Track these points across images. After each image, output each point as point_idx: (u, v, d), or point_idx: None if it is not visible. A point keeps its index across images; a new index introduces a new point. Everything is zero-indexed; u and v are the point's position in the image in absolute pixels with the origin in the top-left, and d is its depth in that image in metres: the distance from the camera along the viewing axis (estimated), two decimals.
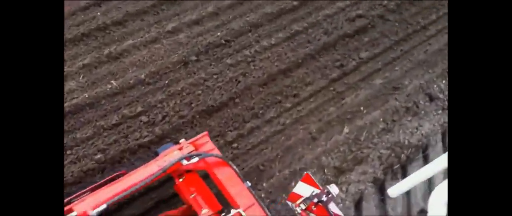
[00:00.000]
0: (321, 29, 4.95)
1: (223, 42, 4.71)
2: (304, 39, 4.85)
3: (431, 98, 4.59)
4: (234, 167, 3.14)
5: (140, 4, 4.85)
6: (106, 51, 4.46)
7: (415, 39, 5.12)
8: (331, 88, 4.58)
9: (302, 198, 3.14)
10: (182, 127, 4.04)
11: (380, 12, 5.14)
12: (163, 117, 4.07)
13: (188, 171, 3.22)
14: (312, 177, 3.11)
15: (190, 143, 3.16)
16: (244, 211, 2.94)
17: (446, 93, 4.48)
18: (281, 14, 5.00)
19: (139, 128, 3.98)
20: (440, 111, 4.49)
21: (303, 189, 3.13)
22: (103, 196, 2.86)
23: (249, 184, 3.12)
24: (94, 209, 2.76)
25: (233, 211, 2.95)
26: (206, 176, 3.28)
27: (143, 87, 4.27)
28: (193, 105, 4.29)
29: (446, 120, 4.34)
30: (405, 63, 4.91)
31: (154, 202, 3.71)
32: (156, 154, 3.24)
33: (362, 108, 4.45)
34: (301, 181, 3.14)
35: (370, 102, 4.52)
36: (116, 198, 2.85)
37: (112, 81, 4.25)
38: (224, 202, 3.17)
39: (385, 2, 5.23)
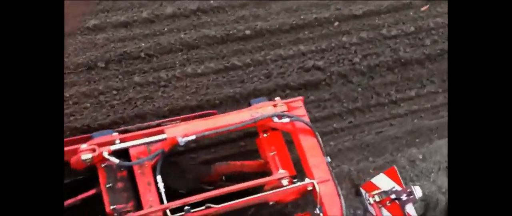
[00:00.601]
0: (265, 70, 4.06)
1: (143, 55, 3.99)
2: (238, 77, 4.00)
3: (357, 192, 3.63)
4: (319, 138, 3.11)
5: None
6: None
7: (374, 113, 4.11)
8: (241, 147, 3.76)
9: (379, 190, 3.13)
10: None
11: (344, 70, 4.13)
12: None
13: (274, 129, 3.25)
14: (398, 173, 3.02)
15: (284, 103, 3.18)
16: (317, 183, 2.94)
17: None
18: (226, 40, 4.18)
19: None
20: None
21: (383, 181, 3.11)
22: (193, 128, 2.94)
23: (329, 159, 3.09)
24: (183, 137, 2.84)
25: (307, 180, 2.97)
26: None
27: None
28: (71, 118, 3.66)
29: None
30: (345, 140, 3.96)
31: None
32: (249, 105, 3.32)
33: None
34: (384, 173, 3.10)
35: None
36: (205, 133, 2.93)
37: None
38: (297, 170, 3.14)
39: (356, 59, 4.25)
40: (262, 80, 4.02)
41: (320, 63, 4.15)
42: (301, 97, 3.27)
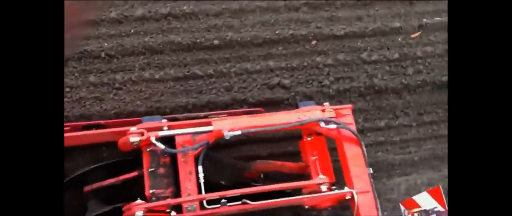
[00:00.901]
0: (226, 83, 3.92)
1: (103, 55, 3.88)
2: (196, 87, 3.84)
3: None
4: (364, 149, 3.13)
5: None
6: None
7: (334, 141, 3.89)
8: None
9: (420, 209, 3.15)
10: None
11: (310, 92, 3.99)
12: None
13: (319, 133, 3.26)
14: (442, 194, 3.04)
15: (333, 109, 3.20)
16: (357, 194, 2.94)
17: None
18: (192, 48, 4.04)
19: None
20: None
21: (426, 200, 3.14)
22: (240, 123, 2.97)
23: (371, 171, 3.10)
24: (229, 131, 2.87)
25: (346, 189, 2.98)
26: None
27: None
28: None
29: None
30: None
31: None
32: (296, 106, 3.33)
33: None
34: (428, 192, 3.13)
35: None
36: (251, 130, 2.97)
37: None
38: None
39: (327, 82, 4.03)
40: (221, 93, 3.88)
41: (287, 81, 3.99)
42: (350, 105, 3.31)
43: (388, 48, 4.30)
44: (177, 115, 3.29)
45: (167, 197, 2.83)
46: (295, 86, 3.97)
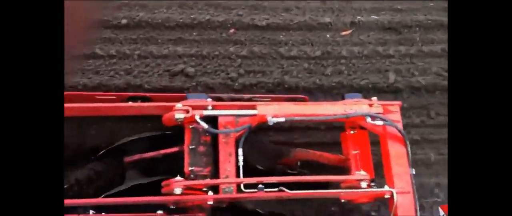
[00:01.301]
0: (127, 66, 3.52)
1: None
2: (94, 67, 3.52)
3: None
4: (409, 148, 3.03)
5: None
6: None
7: None
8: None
9: None
10: None
11: (213, 83, 3.58)
12: None
13: (362, 127, 3.18)
14: None
15: (381, 104, 3.11)
16: (397, 193, 2.90)
17: None
18: (97, 27, 3.84)
19: None
20: None
21: None
22: (284, 110, 2.95)
23: (414, 172, 3.01)
24: (273, 117, 2.84)
25: (386, 188, 2.94)
26: None
27: None
28: None
29: None
30: None
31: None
32: (342, 98, 3.26)
33: None
34: None
35: None
36: (295, 118, 2.94)
37: None
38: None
39: (234, 74, 3.73)
40: (117, 76, 3.64)
41: (192, 70, 3.73)
42: (399, 102, 3.25)
43: (311, 44, 3.98)
44: (221, 95, 3.29)
45: (205, 176, 2.87)
46: (200, 76, 3.69)
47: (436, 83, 3.92)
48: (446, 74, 3.93)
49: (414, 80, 3.91)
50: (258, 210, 3.24)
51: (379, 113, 3.07)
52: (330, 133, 3.63)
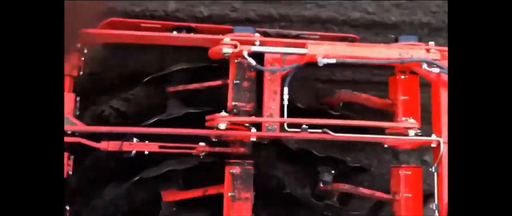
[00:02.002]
0: None
1: None
2: None
3: None
4: None
5: None
6: None
7: None
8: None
9: None
10: None
11: None
12: None
13: (413, 72, 3.06)
14: None
15: (439, 49, 2.97)
16: (443, 143, 2.85)
17: None
18: None
19: None
20: None
21: None
22: (335, 51, 2.84)
23: None
24: (324, 57, 2.76)
25: (433, 136, 2.88)
26: None
27: None
28: None
29: None
30: None
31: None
32: (396, 40, 3.11)
33: None
34: None
35: None
36: (347, 60, 2.85)
37: None
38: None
39: None
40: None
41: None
42: None
43: None
44: (268, 30, 3.18)
45: (247, 112, 2.84)
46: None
47: None
48: None
49: None
50: (299, 149, 3.26)
51: (436, 60, 2.93)
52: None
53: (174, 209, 3.09)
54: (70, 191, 3.05)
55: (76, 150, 2.86)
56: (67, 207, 2.88)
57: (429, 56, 2.92)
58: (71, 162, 2.83)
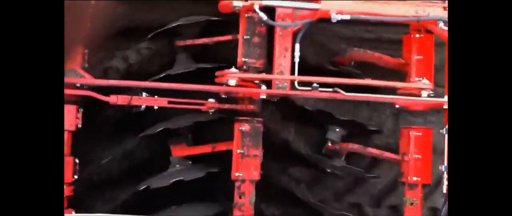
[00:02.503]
0: None
1: None
2: None
3: None
4: None
5: None
6: None
7: None
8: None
9: None
10: None
11: None
12: None
13: (429, 31, 2.99)
14: None
15: None
16: None
17: None
18: None
19: None
20: None
21: None
22: (350, 7, 2.79)
23: None
24: (337, 13, 2.71)
25: (446, 98, 2.79)
26: None
27: None
28: None
29: None
30: None
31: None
32: None
33: None
34: None
35: None
36: (361, 16, 2.80)
37: None
38: None
39: None
40: None
41: None
42: None
43: None
44: None
45: (258, 68, 2.81)
46: None
47: None
48: None
49: None
50: (306, 107, 3.23)
51: None
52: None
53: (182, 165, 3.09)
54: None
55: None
56: (76, 160, 2.89)
57: (447, 14, 2.82)
58: (80, 115, 2.83)
